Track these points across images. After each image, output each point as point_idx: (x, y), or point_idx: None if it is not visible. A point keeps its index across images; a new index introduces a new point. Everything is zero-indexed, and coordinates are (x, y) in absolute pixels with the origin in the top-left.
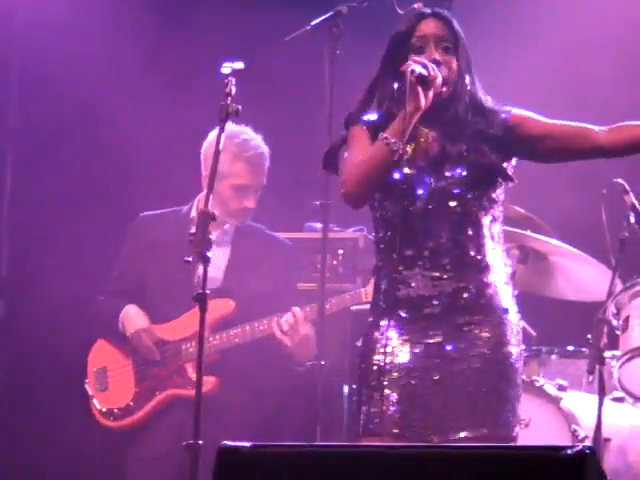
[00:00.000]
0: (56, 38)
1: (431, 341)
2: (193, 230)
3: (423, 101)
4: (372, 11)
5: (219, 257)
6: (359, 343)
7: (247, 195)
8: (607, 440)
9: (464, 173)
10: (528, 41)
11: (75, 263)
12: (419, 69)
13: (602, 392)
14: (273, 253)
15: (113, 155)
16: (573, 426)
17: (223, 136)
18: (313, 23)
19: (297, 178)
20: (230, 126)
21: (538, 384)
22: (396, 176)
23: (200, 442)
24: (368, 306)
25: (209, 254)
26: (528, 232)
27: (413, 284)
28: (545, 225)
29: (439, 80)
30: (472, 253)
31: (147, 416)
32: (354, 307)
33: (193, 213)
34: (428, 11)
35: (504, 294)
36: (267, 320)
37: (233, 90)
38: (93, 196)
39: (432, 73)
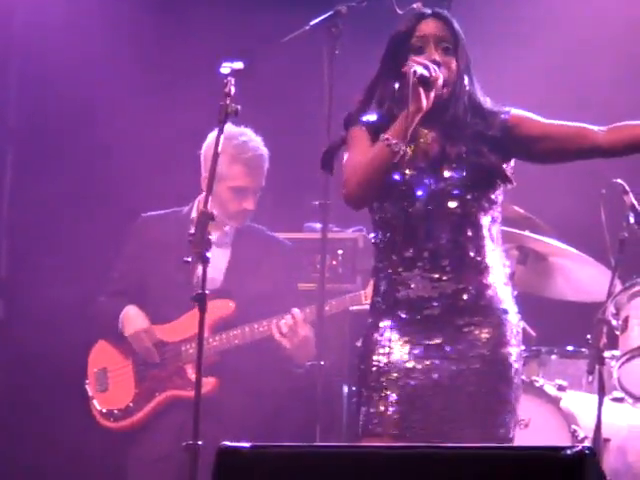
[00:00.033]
0: (56, 38)
1: (431, 342)
2: (192, 231)
3: (425, 102)
4: (371, 11)
5: (219, 258)
6: (359, 344)
7: (246, 197)
8: (607, 440)
9: (463, 174)
10: (528, 41)
11: (75, 263)
12: (421, 70)
13: (602, 392)
14: (273, 254)
15: (113, 155)
16: (573, 426)
17: (222, 138)
18: (312, 23)
19: (296, 178)
20: (229, 127)
21: (538, 384)
22: (395, 177)
23: (199, 442)
24: (368, 306)
25: (208, 254)
26: (527, 232)
27: (412, 285)
28: (544, 225)
29: (440, 81)
30: (472, 254)
31: (147, 417)
32: (353, 307)
33: (194, 214)
34: (428, 11)
35: (504, 295)
36: (267, 322)
37: (232, 90)
38: (93, 196)
39: (434, 74)
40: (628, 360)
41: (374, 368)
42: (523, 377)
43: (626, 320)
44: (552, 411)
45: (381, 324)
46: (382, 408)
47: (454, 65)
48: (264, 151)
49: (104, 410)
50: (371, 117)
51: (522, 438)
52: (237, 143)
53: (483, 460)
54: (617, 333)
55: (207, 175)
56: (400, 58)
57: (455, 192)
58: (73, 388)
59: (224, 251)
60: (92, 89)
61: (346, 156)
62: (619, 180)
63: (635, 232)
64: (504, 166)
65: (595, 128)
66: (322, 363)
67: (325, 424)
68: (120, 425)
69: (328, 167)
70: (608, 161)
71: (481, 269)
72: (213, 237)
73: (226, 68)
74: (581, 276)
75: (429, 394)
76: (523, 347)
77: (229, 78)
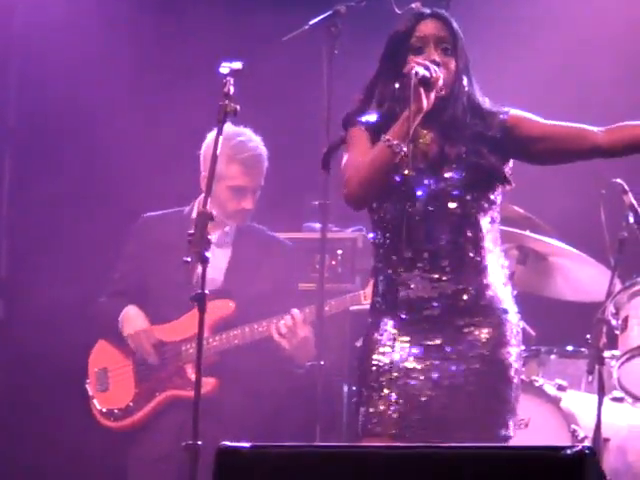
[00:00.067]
0: (55, 38)
1: (431, 343)
2: (192, 230)
3: (425, 102)
4: (370, 11)
5: (220, 258)
6: (358, 343)
7: (244, 196)
8: (606, 440)
9: (463, 175)
10: (528, 41)
11: (75, 263)
12: (422, 71)
13: (601, 392)
14: (273, 254)
15: (113, 155)
16: (572, 426)
17: (221, 138)
18: (311, 23)
19: (296, 178)
20: (228, 127)
21: (537, 384)
22: (395, 178)
23: (199, 442)
24: (367, 306)
25: (208, 254)
26: (527, 232)
27: (412, 286)
28: (544, 225)
29: (440, 82)
30: (471, 255)
31: (147, 417)
32: (353, 307)
33: (194, 214)
34: (427, 11)
35: (503, 295)
36: (266, 322)
37: (231, 90)
38: (93, 196)
39: (434, 75)
40: (628, 360)
41: (374, 368)
42: (523, 377)
43: (626, 320)
44: (552, 411)
45: (381, 324)
46: (382, 408)
47: (453, 65)
48: (263, 150)
49: (104, 410)
50: (371, 117)
51: (522, 438)
52: (234, 143)
53: (483, 460)
54: (617, 333)
55: (206, 175)
56: (399, 58)
57: (455, 193)
58: (73, 388)
59: (224, 251)
60: (92, 89)
61: (345, 156)
62: (619, 180)
63: (634, 232)
64: (503, 167)
65: (594, 129)
66: (322, 363)
67: (325, 424)
68: (120, 425)
69: (328, 167)
70: (608, 161)
71: (481, 269)
72: (213, 237)
73: (225, 68)
74: (581, 276)
75: (429, 394)
76: (523, 347)
77: (228, 78)
